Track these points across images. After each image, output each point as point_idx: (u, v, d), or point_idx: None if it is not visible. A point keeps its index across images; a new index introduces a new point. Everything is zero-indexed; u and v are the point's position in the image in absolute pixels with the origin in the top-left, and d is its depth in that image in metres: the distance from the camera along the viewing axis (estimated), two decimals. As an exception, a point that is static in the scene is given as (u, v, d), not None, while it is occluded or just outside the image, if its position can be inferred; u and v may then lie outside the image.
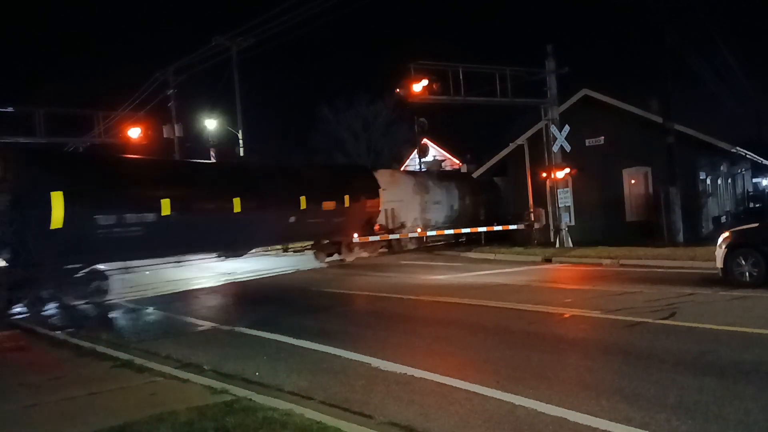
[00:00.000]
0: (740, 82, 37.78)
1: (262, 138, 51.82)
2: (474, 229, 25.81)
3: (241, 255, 19.49)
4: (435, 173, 29.19)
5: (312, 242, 22.70)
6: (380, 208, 22.92)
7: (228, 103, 32.83)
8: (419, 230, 25.20)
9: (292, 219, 18.88)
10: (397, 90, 19.79)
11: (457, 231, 26.11)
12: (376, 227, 23.08)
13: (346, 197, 20.71)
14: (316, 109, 49.77)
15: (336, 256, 22.24)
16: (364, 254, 22.68)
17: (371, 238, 23.60)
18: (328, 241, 21.99)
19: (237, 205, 16.81)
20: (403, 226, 24.67)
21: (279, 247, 24.17)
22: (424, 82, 19.20)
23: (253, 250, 23.59)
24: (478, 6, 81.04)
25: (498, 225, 26.26)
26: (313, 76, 78.80)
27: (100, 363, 8.23)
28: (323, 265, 21.51)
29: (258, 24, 27.45)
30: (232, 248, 18.49)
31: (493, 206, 29.69)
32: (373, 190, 22.50)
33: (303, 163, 38.35)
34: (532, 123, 24.70)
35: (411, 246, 25.57)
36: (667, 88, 20.77)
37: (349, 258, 21.96)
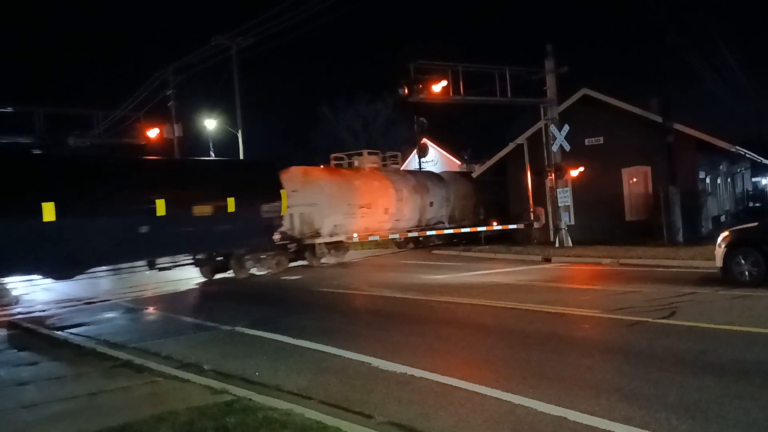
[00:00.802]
0: (740, 82, 37.85)
1: (262, 137, 51.93)
2: (440, 232, 25.21)
3: (71, 277, 15.48)
4: (369, 171, 24.67)
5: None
6: (283, 213, 19.15)
7: (228, 103, 32.80)
8: (346, 237, 21.72)
9: (144, 229, 15.08)
10: (398, 90, 19.79)
11: (404, 234, 24.68)
12: (276, 236, 19.32)
13: (231, 200, 17.14)
14: (316, 108, 49.89)
15: (230, 273, 18.73)
16: (264, 271, 19.04)
17: (371, 238, 23.37)
18: (215, 254, 18.37)
19: (49, 211, 13.30)
20: (318, 234, 20.92)
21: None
22: (424, 81, 19.21)
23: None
24: (478, 6, 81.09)
25: (449, 228, 24.79)
26: (313, 75, 78.90)
27: (100, 363, 8.24)
28: (200, 283, 18.07)
29: (258, 23, 27.37)
30: (48, 269, 14.50)
31: (453, 206, 27.10)
32: (273, 192, 18.76)
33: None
34: (531, 122, 24.71)
35: (333, 260, 21.58)
36: (666, 88, 20.78)
37: (241, 275, 18.40)
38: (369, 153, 26.24)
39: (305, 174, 21.76)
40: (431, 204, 25.91)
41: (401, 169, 27.48)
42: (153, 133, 28.86)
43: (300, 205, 20.48)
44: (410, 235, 24.72)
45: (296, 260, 20.82)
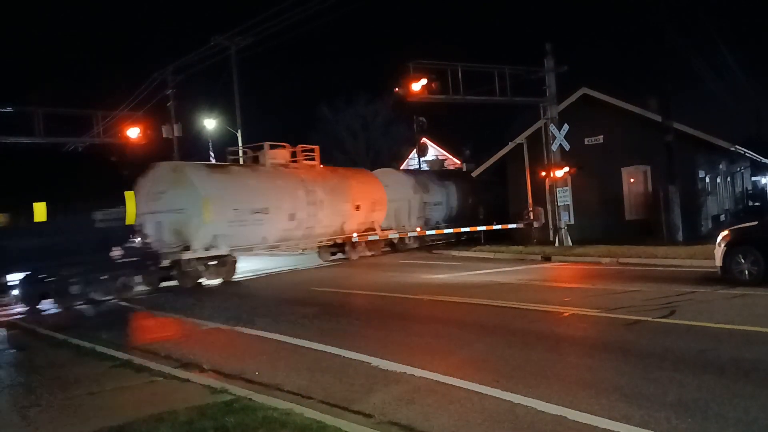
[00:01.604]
0: (739, 81, 37.88)
1: (261, 137, 51.83)
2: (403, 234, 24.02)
3: None
4: (272, 168, 20.64)
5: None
6: (130, 222, 15.42)
7: (227, 103, 32.90)
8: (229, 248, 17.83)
9: None
10: (396, 89, 19.78)
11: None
12: (117, 252, 15.56)
13: (39, 206, 13.45)
14: (315, 108, 49.88)
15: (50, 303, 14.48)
16: (101, 297, 14.92)
17: (371, 238, 23.15)
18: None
19: None
20: (187, 248, 17.02)
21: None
22: (423, 81, 19.20)
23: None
24: (477, 5, 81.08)
25: (343, 236, 21.07)
26: (313, 75, 78.89)
27: (99, 363, 8.23)
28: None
29: (257, 23, 27.47)
30: None
31: (394, 209, 24.30)
32: (113, 194, 15.07)
33: None
34: (531, 122, 24.71)
35: (216, 279, 17.83)
36: (666, 87, 20.78)
37: (66, 303, 14.31)
38: (272, 146, 21.34)
39: (176, 171, 17.88)
40: (357, 208, 22.62)
41: (319, 165, 23.16)
42: (152, 133, 28.80)
43: (164, 212, 17.05)
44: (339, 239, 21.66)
45: (167, 280, 17.14)
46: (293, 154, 22.18)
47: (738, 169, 32.78)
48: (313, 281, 17.09)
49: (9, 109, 23.29)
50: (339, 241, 22.28)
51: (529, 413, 5.58)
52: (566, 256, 19.24)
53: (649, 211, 22.36)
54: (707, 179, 24.47)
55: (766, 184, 44.12)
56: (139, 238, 16.78)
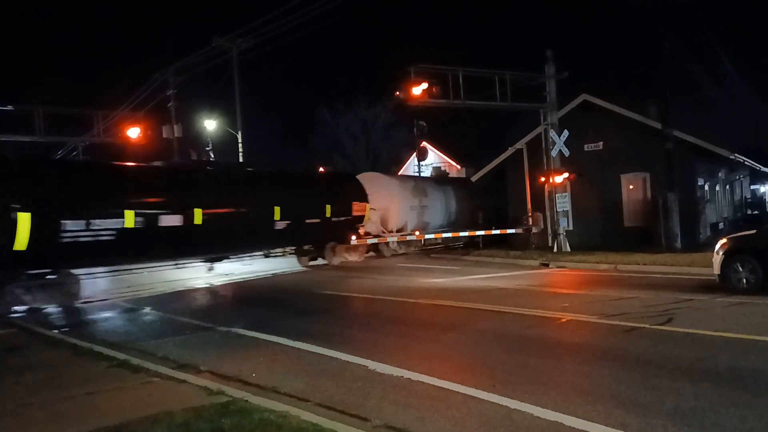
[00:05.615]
0: (739, 89, 37.89)
1: (261, 140, 51.90)
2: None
3: None
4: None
5: None
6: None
7: (228, 105, 32.87)
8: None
9: None
10: (397, 93, 19.79)
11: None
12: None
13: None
14: (315, 111, 49.89)
15: None
16: None
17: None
18: None
19: None
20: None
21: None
22: (424, 85, 19.21)
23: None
24: (478, 10, 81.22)
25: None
26: (313, 77, 78.95)
27: (96, 363, 8.22)
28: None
29: (258, 25, 27.50)
30: None
31: None
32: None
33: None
34: (531, 127, 24.74)
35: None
36: (665, 94, 20.81)
37: None
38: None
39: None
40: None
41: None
42: (153, 133, 28.82)
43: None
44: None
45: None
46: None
47: (737, 177, 32.80)
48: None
49: (9, 108, 23.33)
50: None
51: (526, 419, 5.58)
52: (565, 262, 19.23)
53: (648, 218, 22.37)
54: (706, 187, 24.50)
55: (765, 192, 44.13)
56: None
